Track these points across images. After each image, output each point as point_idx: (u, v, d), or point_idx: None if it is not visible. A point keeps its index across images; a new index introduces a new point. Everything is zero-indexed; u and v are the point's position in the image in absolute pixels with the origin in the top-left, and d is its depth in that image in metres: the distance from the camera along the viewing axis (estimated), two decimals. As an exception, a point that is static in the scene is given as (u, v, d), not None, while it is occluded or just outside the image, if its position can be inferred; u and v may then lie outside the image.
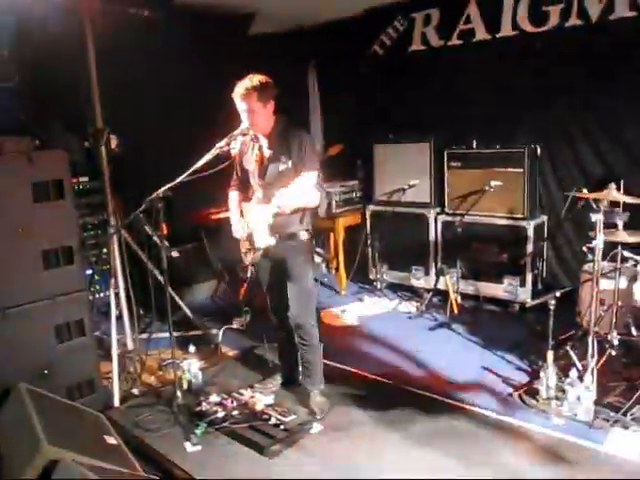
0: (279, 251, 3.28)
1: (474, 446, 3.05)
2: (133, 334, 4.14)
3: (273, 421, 3.26)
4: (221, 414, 3.35)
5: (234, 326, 4.71)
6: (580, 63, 4.62)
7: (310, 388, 3.48)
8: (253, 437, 3.14)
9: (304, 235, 3.33)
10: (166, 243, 3.53)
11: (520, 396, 3.50)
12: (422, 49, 5.64)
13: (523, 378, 3.73)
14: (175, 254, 4.79)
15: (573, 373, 3.31)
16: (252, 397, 3.52)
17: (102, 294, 4.74)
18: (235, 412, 3.37)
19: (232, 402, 3.48)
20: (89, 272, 4.49)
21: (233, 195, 3.53)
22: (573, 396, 3.25)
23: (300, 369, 3.60)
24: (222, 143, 3.21)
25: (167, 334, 3.45)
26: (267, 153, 3.28)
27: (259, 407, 3.41)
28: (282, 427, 3.21)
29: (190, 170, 3.17)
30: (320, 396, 3.48)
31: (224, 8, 5.18)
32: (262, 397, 3.51)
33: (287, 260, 3.31)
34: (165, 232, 3.39)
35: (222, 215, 4.76)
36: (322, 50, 6.23)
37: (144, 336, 4.33)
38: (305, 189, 3.15)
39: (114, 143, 3.99)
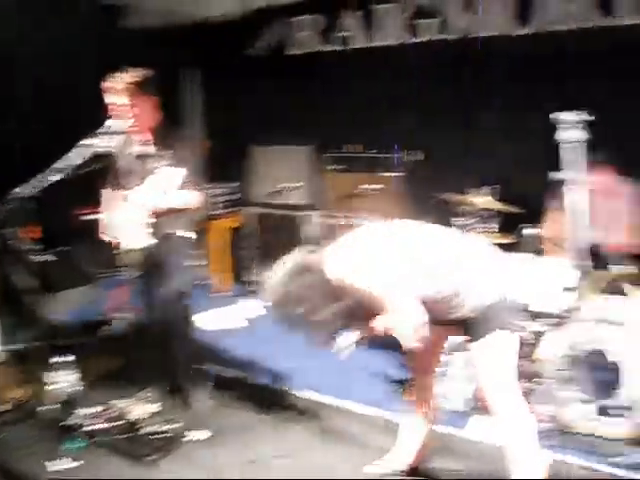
0: (156, 253, 3.18)
1: (362, 442, 3.13)
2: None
3: (153, 430, 3.15)
4: (96, 426, 3.18)
5: (110, 332, 4.50)
6: (458, 71, 4.90)
7: (192, 392, 3.40)
8: (132, 448, 3.02)
9: (183, 236, 3.26)
10: (34, 247, 3.29)
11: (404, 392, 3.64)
12: (301, 53, 5.73)
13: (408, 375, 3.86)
14: (44, 258, 4.49)
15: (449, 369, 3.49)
16: (130, 406, 3.38)
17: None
18: (112, 423, 3.22)
19: (108, 413, 3.31)
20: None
21: (107, 194, 3.38)
22: (443, 387, 3.42)
23: (180, 374, 3.49)
24: (89, 141, 3.04)
25: (36, 343, 3.23)
26: (142, 151, 3.17)
27: (138, 416, 3.28)
28: (163, 436, 3.11)
29: (53, 168, 2.96)
30: (205, 401, 3.41)
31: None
32: (142, 406, 3.38)
33: (165, 262, 3.22)
34: (36, 235, 3.17)
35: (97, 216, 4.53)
36: (202, 49, 6.12)
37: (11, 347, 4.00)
38: (179, 189, 3.09)
39: None
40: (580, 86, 4.13)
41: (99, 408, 3.36)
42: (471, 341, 2.42)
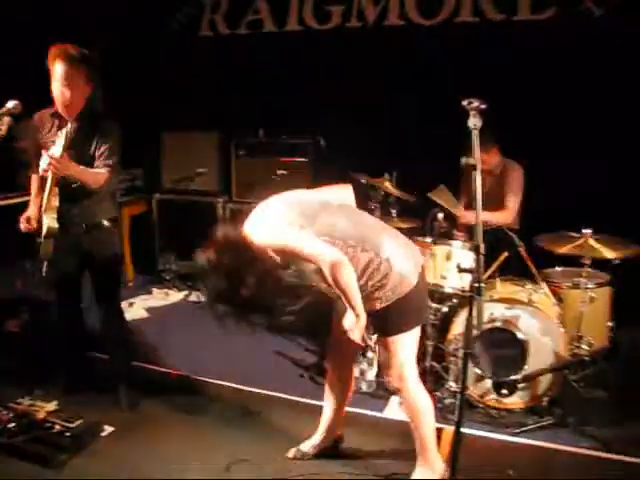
0: (77, 245, 3.04)
1: (273, 427, 3.16)
2: None
3: (57, 429, 2.98)
4: (-5, 429, 2.98)
5: (8, 328, 4.21)
6: (359, 61, 4.98)
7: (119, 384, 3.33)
8: (35, 450, 2.84)
9: (107, 224, 3.15)
10: None
11: (311, 376, 3.70)
12: (210, 35, 5.59)
13: (313, 359, 3.94)
14: None
15: (357, 350, 3.59)
16: (31, 405, 3.18)
17: None
18: (11, 424, 3.00)
19: (7, 413, 3.09)
20: None
21: (34, 179, 3.19)
22: (356, 371, 3.51)
23: (111, 364, 3.42)
24: None
25: None
26: (69, 135, 2.93)
27: (40, 415, 3.09)
28: (68, 434, 2.95)
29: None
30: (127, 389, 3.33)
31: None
32: (44, 404, 3.19)
33: (90, 252, 3.09)
34: None
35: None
36: (108, 29, 5.80)
37: None
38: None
39: None
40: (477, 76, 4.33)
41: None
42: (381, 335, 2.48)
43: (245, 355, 3.96)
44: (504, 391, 3.16)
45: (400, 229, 3.98)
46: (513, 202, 4.01)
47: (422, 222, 3.83)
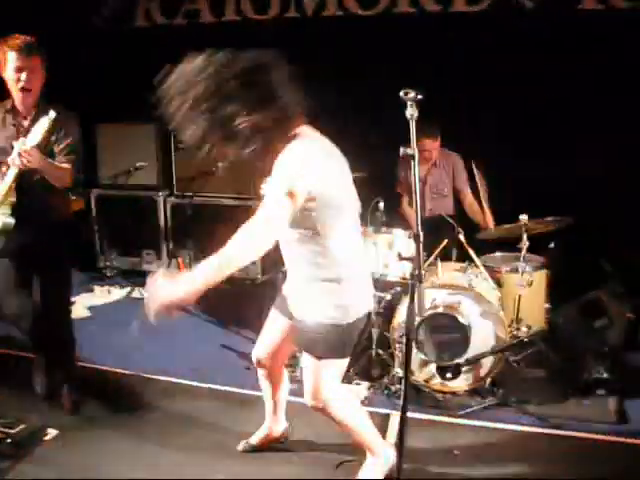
0: (34, 238, 2.90)
1: (221, 420, 3.14)
2: None
3: (-3, 435, 2.89)
4: None
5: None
6: (300, 52, 4.93)
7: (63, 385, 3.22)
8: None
9: (59, 222, 3.03)
10: None
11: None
12: (146, 25, 5.46)
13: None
14: None
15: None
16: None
17: None
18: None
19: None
20: None
21: None
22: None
23: (53, 366, 3.26)
24: None
25: None
26: (26, 128, 2.84)
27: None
28: (10, 440, 2.86)
29: None
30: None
31: None
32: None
33: (43, 248, 2.95)
34: None
35: None
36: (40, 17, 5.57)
37: None
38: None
39: None
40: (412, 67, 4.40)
41: None
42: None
43: (193, 350, 3.93)
44: (448, 375, 3.24)
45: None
46: (467, 190, 4.22)
47: (364, 211, 3.87)
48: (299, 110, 2.14)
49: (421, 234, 2.02)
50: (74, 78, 5.32)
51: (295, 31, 5.00)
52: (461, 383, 3.33)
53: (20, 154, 2.67)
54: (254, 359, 2.69)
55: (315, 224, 2.15)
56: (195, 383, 3.53)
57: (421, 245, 2.04)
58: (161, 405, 3.30)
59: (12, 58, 2.77)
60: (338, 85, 4.85)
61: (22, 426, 2.95)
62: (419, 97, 1.97)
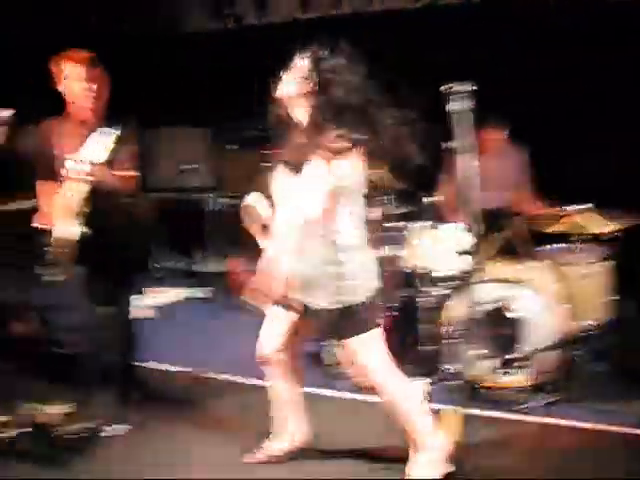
0: (102, 243, 2.95)
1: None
2: None
3: (63, 431, 2.92)
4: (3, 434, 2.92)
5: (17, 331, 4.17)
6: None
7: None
8: (40, 451, 2.83)
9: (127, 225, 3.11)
10: None
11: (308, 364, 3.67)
12: (196, 32, 5.56)
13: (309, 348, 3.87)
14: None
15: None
16: (37, 409, 3.12)
17: None
18: (19, 429, 2.95)
19: (14, 418, 3.02)
20: None
21: (41, 185, 3.12)
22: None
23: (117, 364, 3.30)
24: None
25: None
26: (116, 141, 2.95)
27: (46, 419, 3.03)
28: (74, 436, 2.91)
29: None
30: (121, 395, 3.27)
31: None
32: (53, 406, 3.13)
33: (111, 252, 3.01)
34: None
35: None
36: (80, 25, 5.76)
37: None
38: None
39: None
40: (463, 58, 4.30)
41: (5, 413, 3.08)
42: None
43: (252, 349, 3.93)
44: (504, 370, 3.13)
45: (394, 215, 4.04)
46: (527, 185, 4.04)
47: (415, 207, 3.81)
48: None
49: (477, 227, 1.96)
50: (128, 83, 5.49)
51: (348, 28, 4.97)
52: (518, 379, 3.21)
53: (88, 172, 2.78)
54: (261, 358, 2.65)
55: None
56: (255, 381, 3.52)
57: (477, 238, 1.99)
58: (220, 403, 3.32)
59: (80, 71, 2.90)
60: (388, 79, 4.81)
61: (85, 423, 2.99)
62: (465, 90, 1.92)
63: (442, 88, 1.97)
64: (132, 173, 3.01)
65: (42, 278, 3.81)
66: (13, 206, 4.36)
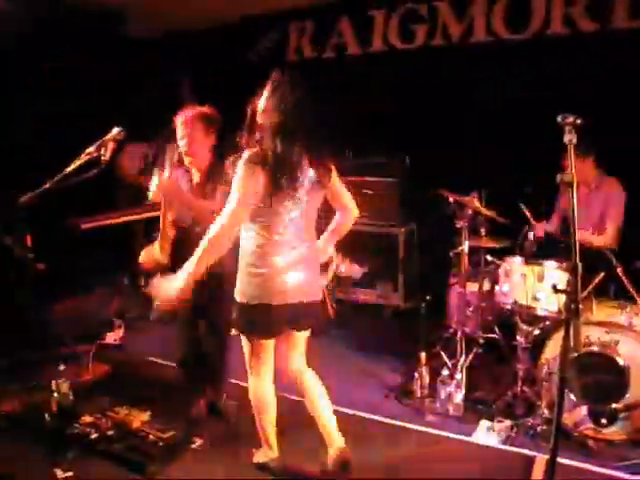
0: None
1: (358, 446, 3.10)
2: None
3: (151, 438, 3.11)
4: (95, 435, 3.14)
5: (108, 341, 4.46)
6: (442, 80, 4.95)
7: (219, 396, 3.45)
8: (130, 457, 2.98)
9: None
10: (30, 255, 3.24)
11: (396, 396, 3.66)
12: (297, 60, 5.75)
13: (398, 379, 3.89)
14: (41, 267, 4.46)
15: (444, 372, 3.51)
16: (128, 414, 3.34)
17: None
18: (110, 432, 3.18)
19: (107, 421, 3.27)
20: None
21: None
22: (444, 394, 3.44)
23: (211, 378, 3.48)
24: (91, 149, 3.01)
25: (32, 354, 3.19)
26: (197, 184, 3.18)
27: (135, 425, 3.24)
28: (161, 444, 3.08)
29: (57, 178, 2.95)
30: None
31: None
32: (138, 413, 3.34)
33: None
34: (29, 244, 3.12)
35: (95, 224, 4.59)
36: (196, 58, 6.12)
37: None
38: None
39: None
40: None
41: (98, 416, 3.32)
42: None
43: (331, 374, 3.95)
44: (603, 420, 2.98)
45: (490, 249, 3.97)
46: (613, 222, 3.81)
47: (513, 241, 3.73)
48: None
49: (579, 265, 1.91)
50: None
51: (441, 59, 4.98)
52: (618, 431, 3.03)
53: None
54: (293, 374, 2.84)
55: None
56: (335, 407, 3.55)
57: (579, 278, 1.93)
58: (304, 427, 3.35)
59: (178, 129, 3.14)
60: (485, 110, 4.78)
61: (172, 432, 3.16)
62: (578, 122, 1.89)
63: (559, 118, 1.93)
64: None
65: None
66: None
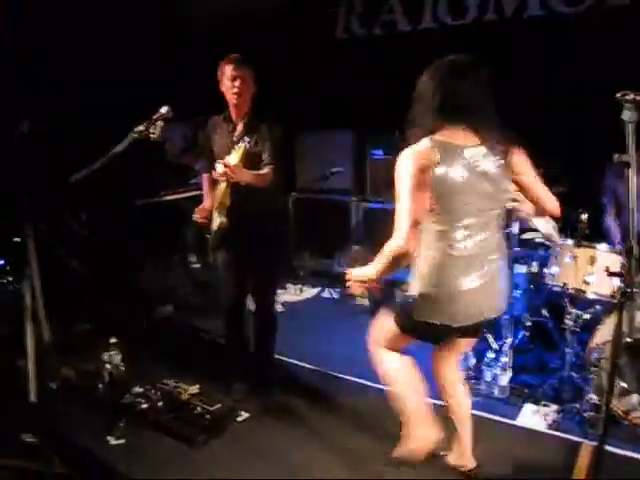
0: (244, 237, 3.23)
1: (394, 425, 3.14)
2: (50, 325, 3.95)
3: (199, 410, 3.20)
4: (145, 405, 3.26)
5: (159, 316, 4.60)
6: (497, 55, 4.81)
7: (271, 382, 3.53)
8: (178, 428, 3.08)
9: (271, 220, 3.32)
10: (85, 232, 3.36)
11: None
12: (345, 37, 5.70)
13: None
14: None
15: (489, 354, 3.48)
16: (176, 387, 3.45)
17: (14, 285, 4.48)
18: (159, 403, 3.29)
19: (156, 393, 3.37)
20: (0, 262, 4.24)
21: (205, 178, 3.46)
22: (490, 376, 3.41)
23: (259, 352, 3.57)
24: (141, 127, 3.06)
25: (88, 325, 3.32)
26: (238, 136, 3.20)
27: (184, 397, 3.34)
28: (208, 416, 3.16)
29: (107, 156, 3.02)
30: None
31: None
32: (187, 387, 3.44)
33: (254, 247, 3.26)
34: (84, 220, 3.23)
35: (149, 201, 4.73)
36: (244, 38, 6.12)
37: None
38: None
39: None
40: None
41: (148, 388, 3.42)
42: None
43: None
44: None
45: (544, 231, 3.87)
46: None
47: (565, 223, 3.63)
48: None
49: (635, 248, 1.84)
50: (278, 90, 5.77)
51: (494, 34, 4.84)
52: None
53: (225, 172, 2.98)
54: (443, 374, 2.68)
55: None
56: (376, 385, 3.57)
57: (633, 260, 1.87)
58: (343, 403, 3.40)
59: (228, 69, 3.14)
60: (539, 90, 4.63)
61: (219, 405, 3.24)
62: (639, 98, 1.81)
63: (617, 95, 1.85)
64: (266, 170, 3.17)
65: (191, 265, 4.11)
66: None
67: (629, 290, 1.87)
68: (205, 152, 3.43)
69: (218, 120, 3.33)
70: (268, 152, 3.18)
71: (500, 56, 4.76)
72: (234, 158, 3.02)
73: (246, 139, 3.06)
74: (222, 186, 3.15)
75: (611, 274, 3.10)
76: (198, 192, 3.57)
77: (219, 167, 3.02)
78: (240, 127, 3.23)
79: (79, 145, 4.36)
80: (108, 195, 4.84)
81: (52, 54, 4.35)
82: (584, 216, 3.37)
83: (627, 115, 1.83)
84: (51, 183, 3.19)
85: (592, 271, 3.22)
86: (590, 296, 3.23)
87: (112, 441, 3.00)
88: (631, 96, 1.83)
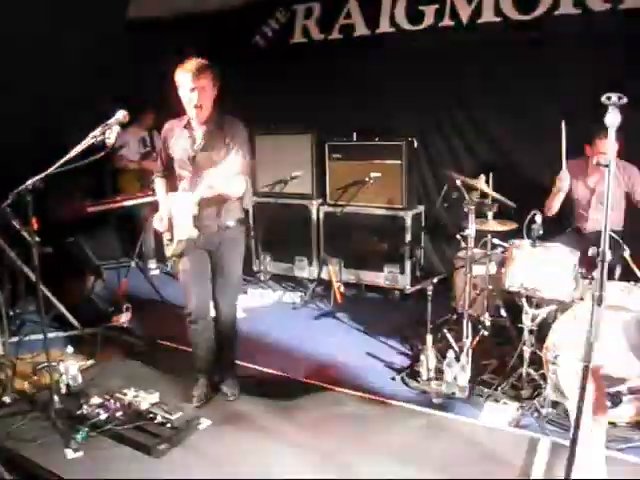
0: (208, 244, 3.22)
1: (364, 428, 3.15)
2: (2, 337, 3.83)
3: (159, 419, 3.14)
4: (103, 416, 3.18)
5: (115, 324, 4.50)
6: (453, 62, 4.90)
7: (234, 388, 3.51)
8: (138, 438, 3.02)
9: (234, 226, 3.28)
10: (37, 239, 3.25)
11: (402, 379, 3.67)
12: (303, 42, 5.70)
13: (405, 361, 3.91)
14: (48, 250, 4.48)
15: (450, 354, 3.52)
16: (136, 396, 3.37)
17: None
18: (118, 413, 3.21)
19: (115, 403, 3.30)
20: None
21: (159, 183, 3.39)
22: (451, 376, 3.45)
23: (220, 359, 3.56)
24: (96, 132, 3.01)
25: (41, 336, 3.22)
26: (200, 141, 3.17)
27: (144, 406, 3.28)
28: (169, 425, 3.11)
29: (61, 161, 2.96)
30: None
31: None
32: (147, 395, 3.38)
33: (217, 253, 3.26)
34: (35, 227, 3.13)
35: (100, 208, 4.62)
36: (203, 39, 6.06)
37: (15, 339, 4.04)
38: (228, 175, 3.00)
39: None
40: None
41: (106, 398, 3.35)
42: None
43: (338, 356, 4.00)
44: (607, 403, 2.97)
45: (497, 232, 3.96)
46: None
47: (520, 225, 3.71)
48: None
49: (608, 252, 1.88)
50: (236, 92, 5.73)
51: (450, 40, 4.92)
52: (622, 414, 3.04)
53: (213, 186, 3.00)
54: None
55: None
56: (339, 389, 3.58)
57: (605, 263, 1.90)
58: (305, 407, 3.39)
59: (186, 80, 3.06)
60: (494, 92, 4.74)
61: (180, 414, 3.18)
62: (622, 101, 1.84)
63: (603, 98, 1.88)
64: (239, 181, 3.13)
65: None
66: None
67: (598, 293, 1.91)
68: (160, 158, 3.38)
69: (176, 124, 3.27)
70: (239, 162, 3.05)
71: (455, 61, 4.88)
72: (214, 176, 2.99)
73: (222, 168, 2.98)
74: (192, 198, 3.11)
75: (583, 278, 3.22)
76: (154, 198, 3.50)
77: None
78: (202, 132, 3.19)
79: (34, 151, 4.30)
80: (62, 200, 4.76)
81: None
82: (538, 217, 3.45)
83: (609, 118, 1.86)
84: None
85: (547, 272, 3.29)
86: (546, 296, 3.31)
87: (70, 454, 2.92)
88: (614, 98, 1.86)
